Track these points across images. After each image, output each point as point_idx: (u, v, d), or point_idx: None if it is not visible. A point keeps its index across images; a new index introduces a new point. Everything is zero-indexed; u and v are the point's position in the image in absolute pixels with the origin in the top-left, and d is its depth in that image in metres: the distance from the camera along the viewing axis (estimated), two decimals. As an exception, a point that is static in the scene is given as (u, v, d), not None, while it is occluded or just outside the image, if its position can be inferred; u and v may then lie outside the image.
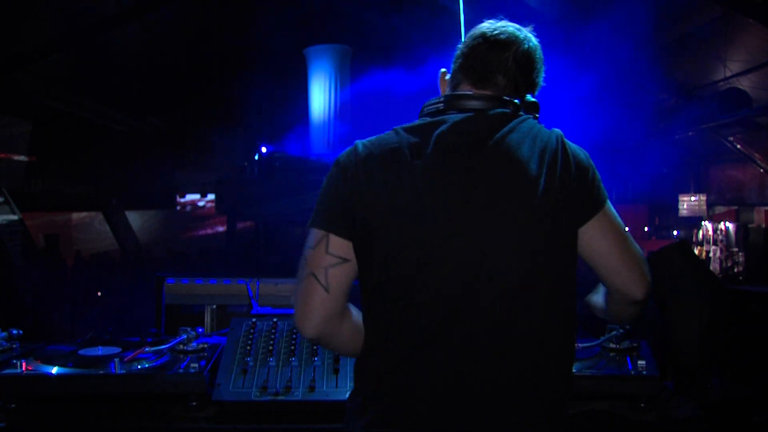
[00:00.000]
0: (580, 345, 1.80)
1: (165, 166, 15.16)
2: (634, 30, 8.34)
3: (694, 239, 14.23)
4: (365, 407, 1.25)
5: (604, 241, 1.32)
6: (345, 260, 1.25)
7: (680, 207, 14.35)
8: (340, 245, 1.26)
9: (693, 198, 14.25)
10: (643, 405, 1.72)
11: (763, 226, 12.27)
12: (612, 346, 1.84)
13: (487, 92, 1.36)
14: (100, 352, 1.91)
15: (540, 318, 1.24)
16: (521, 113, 1.35)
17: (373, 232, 1.23)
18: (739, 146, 12.73)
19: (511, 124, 1.30)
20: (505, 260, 1.22)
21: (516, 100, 1.35)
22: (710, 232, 13.87)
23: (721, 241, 13.42)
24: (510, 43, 1.37)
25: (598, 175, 1.34)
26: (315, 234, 1.27)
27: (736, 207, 13.47)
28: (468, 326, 1.20)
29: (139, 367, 1.75)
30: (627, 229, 1.37)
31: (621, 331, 1.84)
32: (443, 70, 1.48)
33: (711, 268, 12.07)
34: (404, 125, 1.32)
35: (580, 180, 1.30)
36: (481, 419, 1.20)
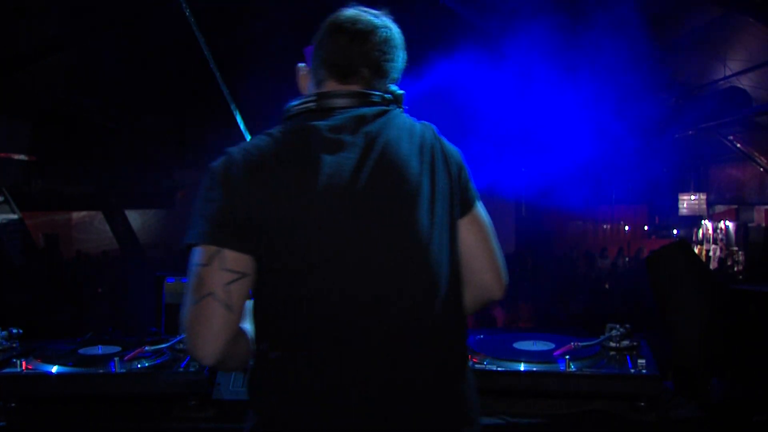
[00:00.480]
0: (580, 344, 1.79)
1: (165, 166, 15.15)
2: (634, 29, 8.34)
3: (694, 238, 14.23)
4: (286, 412, 1.19)
5: (477, 238, 1.34)
6: (244, 275, 1.17)
7: (680, 206, 14.34)
8: (236, 259, 1.16)
9: (693, 197, 14.24)
10: (642, 405, 1.71)
11: (763, 225, 12.28)
12: (612, 345, 1.83)
13: (355, 87, 1.31)
14: (99, 352, 1.91)
15: (449, 316, 1.25)
16: (391, 106, 1.33)
17: (272, 244, 1.17)
18: (739, 146, 12.73)
19: (384, 120, 1.28)
20: (406, 259, 1.21)
21: (387, 95, 1.33)
22: (710, 232, 13.88)
23: (721, 240, 13.42)
24: (369, 32, 1.31)
25: (469, 172, 1.37)
26: (204, 251, 1.16)
27: (736, 206, 13.47)
28: (381, 333, 1.18)
29: (139, 366, 1.75)
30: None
31: (621, 330, 1.84)
32: (302, 65, 1.41)
33: (711, 267, 12.08)
34: (279, 129, 1.26)
35: (458, 176, 1.33)
36: (406, 417, 1.19)
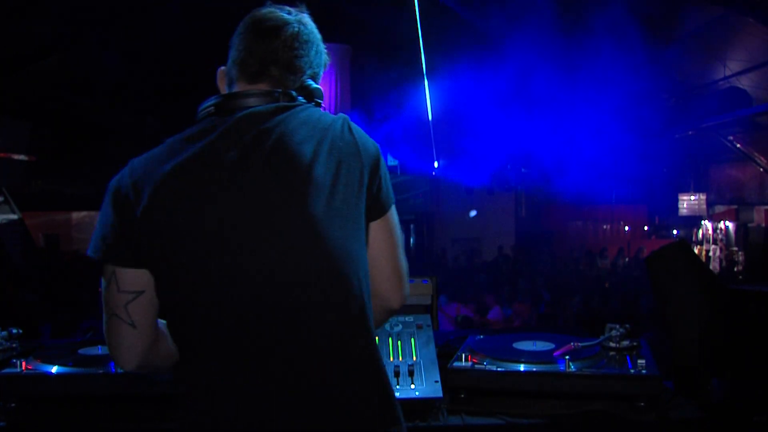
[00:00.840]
0: (579, 344, 1.79)
1: (165, 166, 15.16)
2: (635, 30, 8.35)
3: (693, 239, 14.23)
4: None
5: (384, 245, 1.29)
6: (140, 292, 1.18)
7: (680, 206, 14.35)
8: (130, 278, 1.18)
9: (693, 197, 14.24)
10: (642, 405, 1.71)
11: (763, 225, 12.28)
12: (612, 345, 1.83)
13: (263, 86, 1.28)
14: (99, 352, 1.90)
15: (349, 310, 1.19)
16: (299, 101, 1.28)
17: (160, 254, 1.16)
18: (739, 146, 12.73)
19: (286, 115, 1.22)
20: (291, 252, 1.16)
21: (292, 91, 1.29)
22: (710, 232, 13.87)
23: (721, 240, 13.42)
24: (278, 28, 1.28)
25: (387, 173, 1.30)
26: (104, 272, 1.20)
27: (735, 206, 13.47)
28: (267, 329, 1.15)
29: (139, 366, 1.74)
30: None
31: (621, 330, 1.84)
32: (222, 68, 1.37)
33: (711, 267, 12.08)
34: (178, 136, 1.23)
35: (372, 172, 1.25)
36: (299, 420, 1.16)
